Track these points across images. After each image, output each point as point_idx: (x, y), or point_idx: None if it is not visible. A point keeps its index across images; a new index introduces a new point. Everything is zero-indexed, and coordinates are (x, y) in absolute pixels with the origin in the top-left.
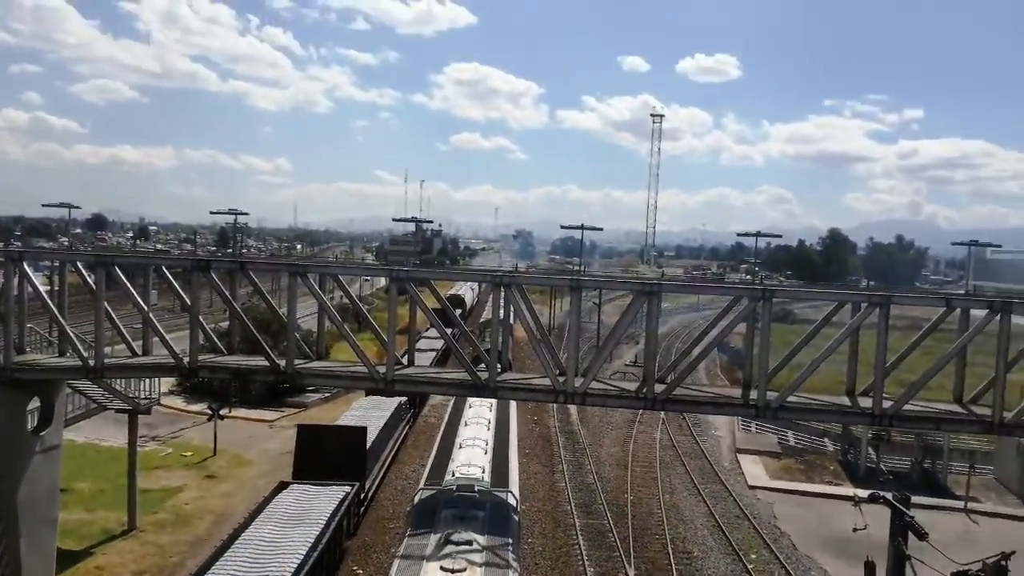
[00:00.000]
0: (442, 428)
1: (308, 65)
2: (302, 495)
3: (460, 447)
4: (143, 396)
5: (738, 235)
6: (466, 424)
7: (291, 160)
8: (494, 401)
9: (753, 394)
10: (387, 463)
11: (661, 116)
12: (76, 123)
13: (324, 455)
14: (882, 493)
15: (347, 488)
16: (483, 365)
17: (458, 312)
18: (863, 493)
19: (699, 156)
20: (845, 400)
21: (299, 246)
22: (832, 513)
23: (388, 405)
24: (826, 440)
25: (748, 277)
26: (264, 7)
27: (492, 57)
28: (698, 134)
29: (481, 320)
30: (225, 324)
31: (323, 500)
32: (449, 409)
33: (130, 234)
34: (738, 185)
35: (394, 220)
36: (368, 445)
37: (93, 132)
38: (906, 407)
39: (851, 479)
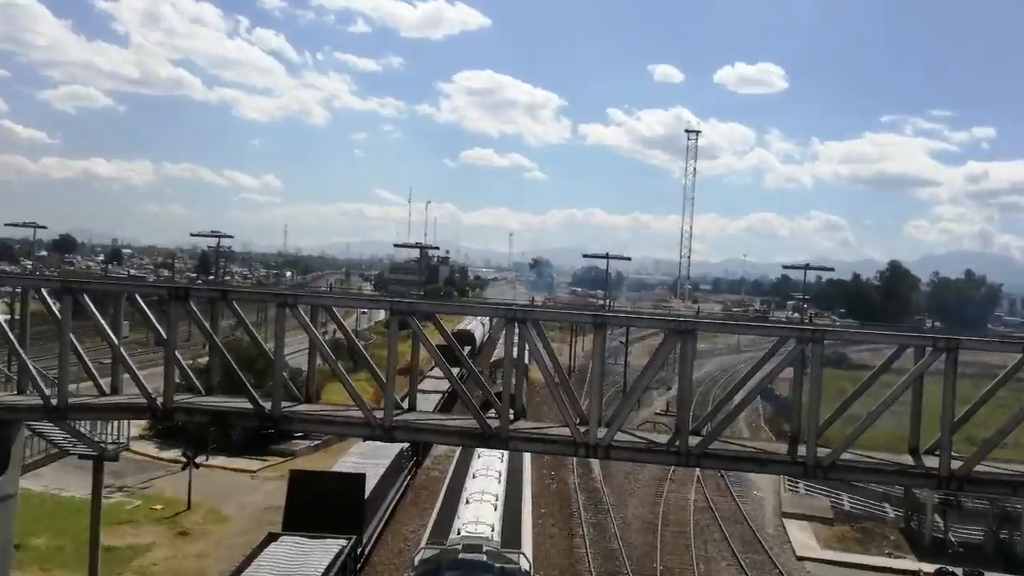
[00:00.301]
0: (446, 482)
1: (303, 71)
2: (293, 548)
3: (467, 502)
4: (110, 440)
5: (784, 267)
6: (474, 477)
7: (281, 177)
8: (506, 452)
9: (801, 450)
10: (386, 516)
11: (697, 132)
12: (44, 133)
13: (318, 504)
14: (951, 568)
15: (343, 542)
16: (494, 411)
17: (467, 350)
18: (929, 568)
19: (740, 177)
20: (908, 459)
21: (289, 273)
22: None
23: (388, 452)
24: (886, 505)
25: (796, 315)
26: (254, 7)
27: (507, 64)
28: (739, 152)
29: (492, 360)
30: (204, 360)
31: (316, 554)
32: (455, 460)
33: (101, 257)
34: (784, 210)
35: (396, 245)
36: (366, 495)
37: (63, 143)
38: (978, 468)
39: (915, 551)
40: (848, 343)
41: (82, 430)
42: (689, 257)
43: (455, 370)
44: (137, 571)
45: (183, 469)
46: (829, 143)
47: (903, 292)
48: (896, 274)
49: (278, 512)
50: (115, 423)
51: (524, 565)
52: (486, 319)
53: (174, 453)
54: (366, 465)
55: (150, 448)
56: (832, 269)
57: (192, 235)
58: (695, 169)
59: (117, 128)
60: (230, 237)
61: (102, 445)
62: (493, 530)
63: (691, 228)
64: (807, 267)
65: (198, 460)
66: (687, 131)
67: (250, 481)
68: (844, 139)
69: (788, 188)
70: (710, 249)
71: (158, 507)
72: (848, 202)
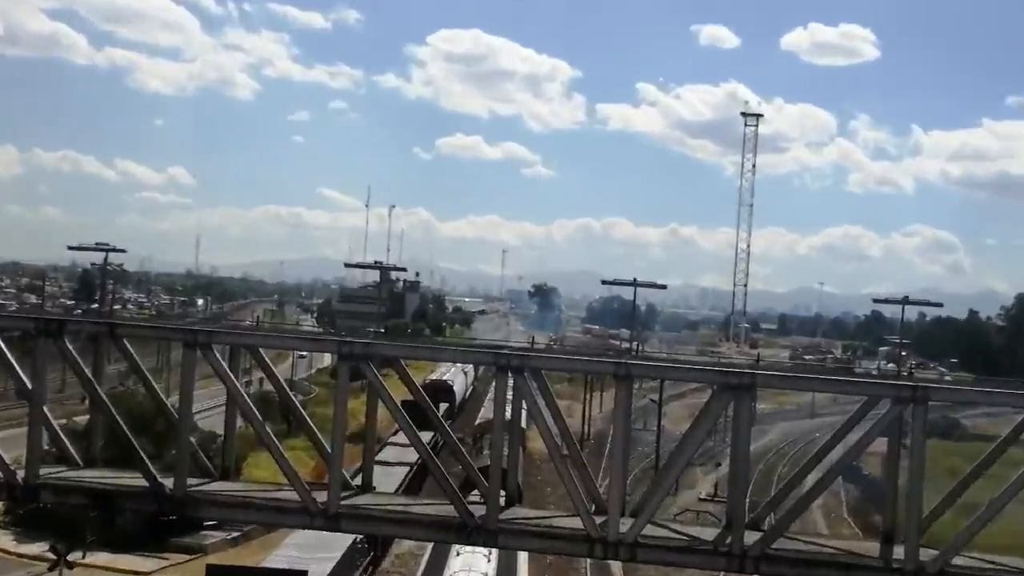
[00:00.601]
0: None
1: (224, 28)
2: None
3: (457, 553)
4: None
5: (875, 300)
6: None
7: (193, 170)
8: (494, 551)
9: (899, 551)
10: None
11: (757, 116)
12: None
13: None
14: None
15: None
16: (478, 493)
17: (442, 409)
18: None
19: (815, 177)
20: None
21: (201, 301)
22: None
23: (337, 544)
24: None
25: (891, 366)
26: None
27: (501, 22)
28: (814, 144)
29: (478, 422)
30: (84, 419)
31: None
32: (425, 559)
33: None
34: (875, 223)
35: (347, 266)
36: None
37: None
38: None
39: None
40: (961, 405)
41: None
42: (746, 285)
43: (426, 436)
44: None
45: (50, 570)
46: (934, 133)
47: None
48: None
49: None
50: None
51: None
52: (469, 367)
53: (39, 547)
54: (307, 561)
55: (7, 540)
56: (941, 305)
57: (71, 248)
58: (755, 166)
59: None
60: (122, 252)
61: None
62: None
63: (748, 246)
64: (906, 301)
65: (71, 557)
66: (744, 114)
67: None
68: (954, 128)
69: (880, 194)
70: (775, 275)
71: None
72: (962, 213)
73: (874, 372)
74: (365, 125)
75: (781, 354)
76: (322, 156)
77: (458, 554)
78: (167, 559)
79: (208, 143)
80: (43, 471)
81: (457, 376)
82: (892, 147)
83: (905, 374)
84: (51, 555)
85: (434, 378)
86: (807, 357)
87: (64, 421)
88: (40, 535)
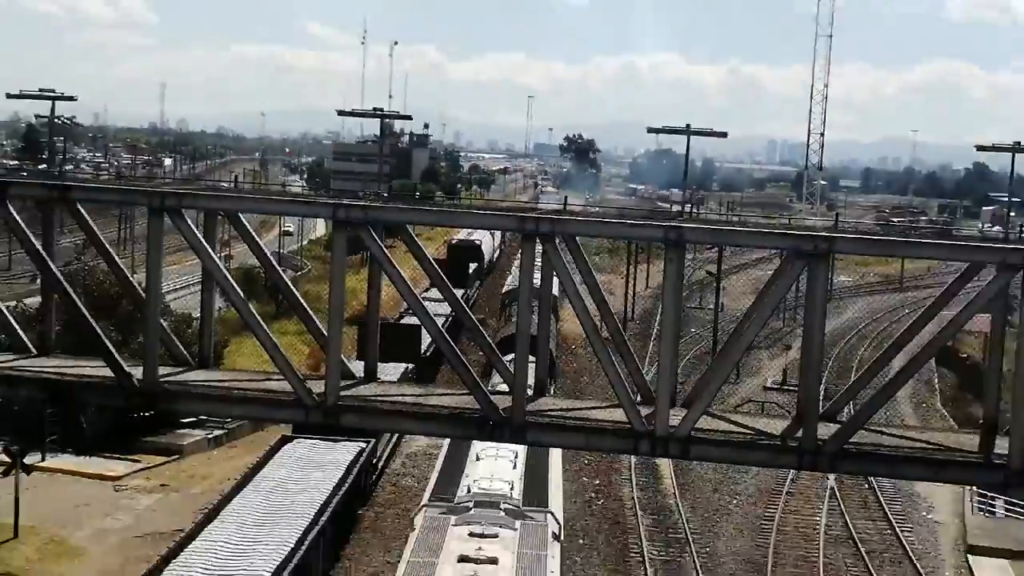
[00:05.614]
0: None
1: None
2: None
3: (477, 459)
4: None
5: (979, 148)
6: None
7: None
8: (520, 456)
9: (1002, 446)
10: None
11: None
12: None
13: None
14: None
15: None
16: (502, 380)
17: (472, 267)
18: None
19: (910, 2)
20: None
21: (169, 160)
22: None
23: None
24: None
25: (996, 229)
26: None
27: None
28: None
29: (505, 289)
30: (36, 301)
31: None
32: (438, 466)
33: None
34: (980, 56)
35: (340, 113)
36: None
37: None
38: None
39: None
40: None
41: None
42: (823, 135)
43: (436, 311)
44: None
45: (4, 475)
46: None
47: None
48: None
49: (156, 543)
50: None
51: (552, 525)
52: (496, 233)
53: None
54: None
55: None
56: None
57: (9, 96)
58: None
59: None
60: (71, 100)
61: None
62: (512, 487)
63: (827, 87)
64: (1017, 148)
65: (28, 460)
66: None
67: (112, 494)
68: None
69: (987, 19)
70: (861, 121)
71: None
72: None
73: (977, 235)
74: None
75: (865, 216)
76: None
77: (479, 457)
78: (139, 462)
79: None
80: None
81: (485, 236)
82: None
83: (1014, 236)
84: (4, 457)
85: (462, 237)
86: (895, 220)
87: (13, 303)
88: None
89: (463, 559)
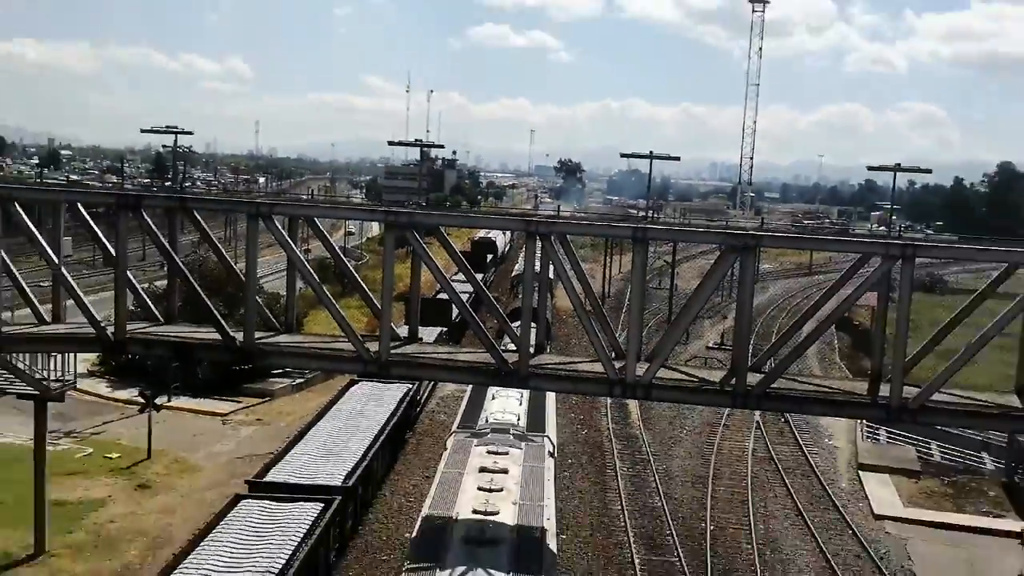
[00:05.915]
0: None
1: None
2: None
3: (493, 398)
4: (54, 378)
5: (869, 168)
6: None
7: (249, 61)
8: (525, 394)
9: (884, 390)
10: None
11: (764, 1)
12: None
13: None
14: None
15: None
16: (511, 342)
17: (489, 258)
18: None
19: (816, 59)
20: (1013, 400)
21: (262, 179)
22: (991, 556)
23: (387, 398)
24: (984, 456)
25: (882, 229)
26: None
27: None
28: (815, 28)
29: (513, 273)
30: (163, 283)
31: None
32: (465, 401)
33: (35, 160)
34: (871, 100)
35: (391, 144)
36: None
37: None
38: None
39: (1018, 509)
40: (945, 262)
41: (20, 365)
42: (752, 158)
43: (462, 291)
44: (91, 530)
45: (140, 412)
46: (927, 16)
47: (1016, 200)
48: (1007, 178)
49: (254, 463)
50: (58, 357)
51: (548, 446)
52: (508, 232)
53: (129, 393)
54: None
55: (101, 387)
56: (930, 171)
57: (143, 131)
58: (761, 49)
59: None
60: (189, 133)
61: (44, 383)
62: (519, 419)
63: (755, 123)
64: (898, 168)
65: (158, 401)
66: (751, 0)
67: (220, 426)
68: (946, 10)
69: (875, 73)
70: (779, 148)
71: (113, 455)
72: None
73: (867, 235)
74: (401, 16)
75: (783, 220)
76: (364, 46)
77: (494, 397)
78: (240, 402)
79: (262, 36)
80: (130, 327)
81: (499, 235)
82: (887, 29)
83: (894, 235)
84: (140, 399)
85: (481, 235)
86: (806, 222)
87: (146, 286)
88: (130, 383)
89: (483, 469)
